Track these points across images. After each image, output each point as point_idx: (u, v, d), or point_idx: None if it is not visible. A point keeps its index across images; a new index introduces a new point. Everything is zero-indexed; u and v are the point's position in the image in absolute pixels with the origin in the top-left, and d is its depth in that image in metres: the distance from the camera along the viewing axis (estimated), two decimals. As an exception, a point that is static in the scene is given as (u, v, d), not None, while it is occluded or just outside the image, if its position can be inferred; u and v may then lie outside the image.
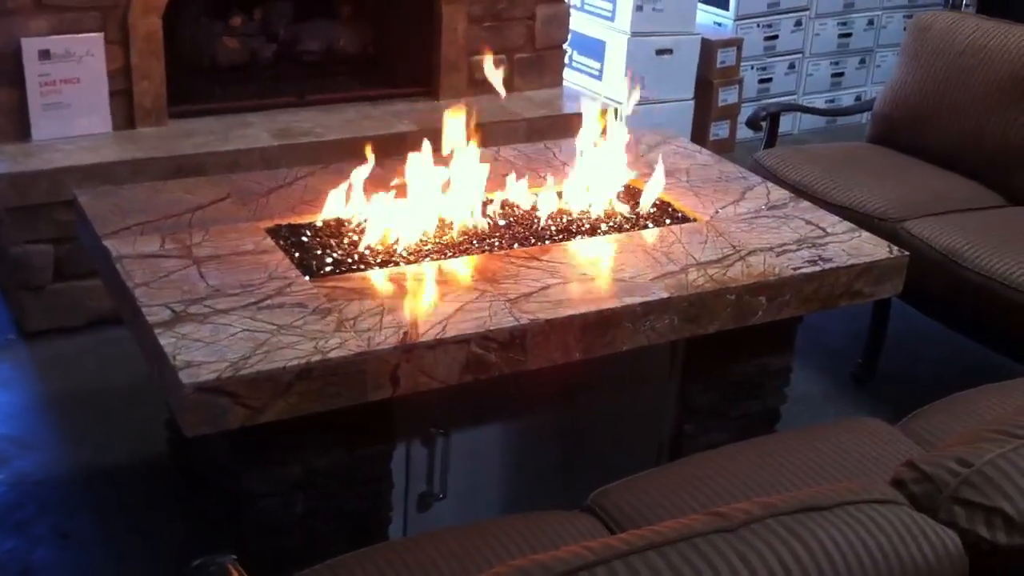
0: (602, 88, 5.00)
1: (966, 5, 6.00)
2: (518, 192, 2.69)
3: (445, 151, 2.55)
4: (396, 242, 2.42)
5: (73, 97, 3.50)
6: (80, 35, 3.47)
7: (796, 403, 2.90)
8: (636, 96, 2.94)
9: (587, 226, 2.62)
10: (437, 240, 2.48)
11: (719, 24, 5.41)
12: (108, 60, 3.54)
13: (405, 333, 2.06)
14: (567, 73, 4.59)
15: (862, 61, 5.92)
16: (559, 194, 2.71)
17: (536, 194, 2.70)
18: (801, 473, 2.03)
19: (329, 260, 2.36)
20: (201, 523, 2.61)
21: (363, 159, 2.53)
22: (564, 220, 2.64)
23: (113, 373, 3.21)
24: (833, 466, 2.06)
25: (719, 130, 5.28)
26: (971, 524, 1.40)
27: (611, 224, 2.64)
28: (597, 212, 2.67)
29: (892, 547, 1.31)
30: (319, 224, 2.50)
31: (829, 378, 3.49)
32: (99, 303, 3.34)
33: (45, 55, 3.43)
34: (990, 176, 3.56)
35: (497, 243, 2.50)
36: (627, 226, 2.63)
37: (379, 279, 2.29)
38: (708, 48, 5.11)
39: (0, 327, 3.46)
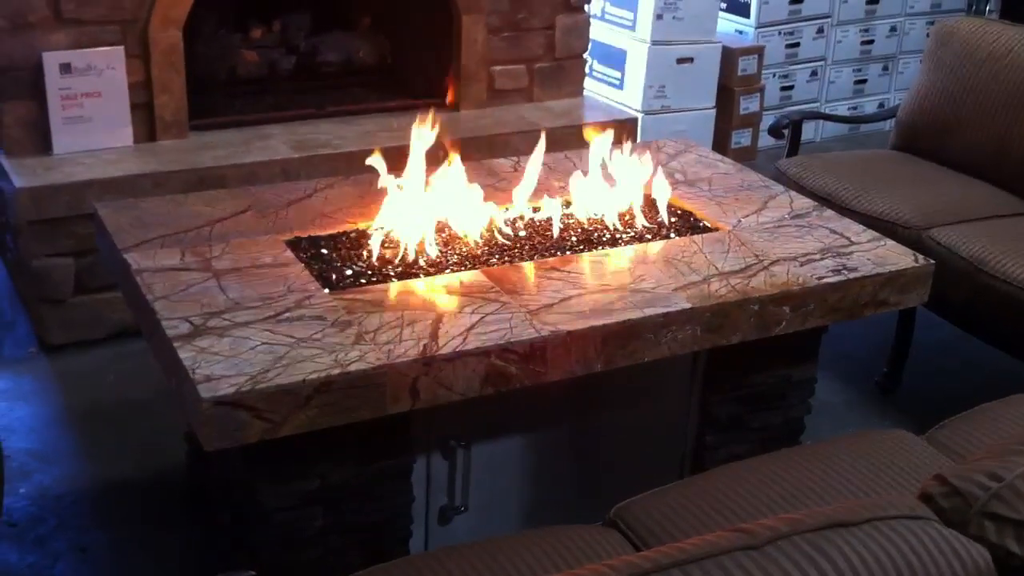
0: (623, 97, 4.98)
1: (989, 11, 5.96)
2: (538, 202, 2.68)
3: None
4: (416, 254, 2.41)
5: (94, 111, 3.51)
6: (101, 49, 3.48)
7: (820, 413, 2.87)
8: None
9: (608, 236, 2.60)
10: (457, 251, 2.46)
11: (740, 32, 5.38)
12: (129, 73, 3.54)
13: (425, 346, 2.04)
14: (588, 83, 4.57)
15: (885, 68, 5.88)
16: (579, 204, 2.70)
17: (557, 205, 2.68)
18: (827, 486, 2.00)
19: (349, 272, 2.35)
20: (220, 538, 2.60)
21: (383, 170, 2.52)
22: (584, 230, 2.62)
23: (134, 386, 3.21)
24: (859, 479, 2.03)
25: (741, 138, 5.25)
26: (1001, 539, 1.38)
27: (632, 234, 2.62)
28: (618, 222, 2.65)
29: (920, 563, 1.28)
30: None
31: (853, 387, 3.45)
32: (120, 316, 3.34)
33: (66, 69, 3.45)
34: (1015, 183, 3.52)
35: (517, 254, 2.48)
36: (648, 236, 2.61)
37: (398, 291, 2.27)
38: (729, 56, 5.09)
39: (21, 340, 3.46)
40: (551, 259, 2.46)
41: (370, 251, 2.41)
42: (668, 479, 2.16)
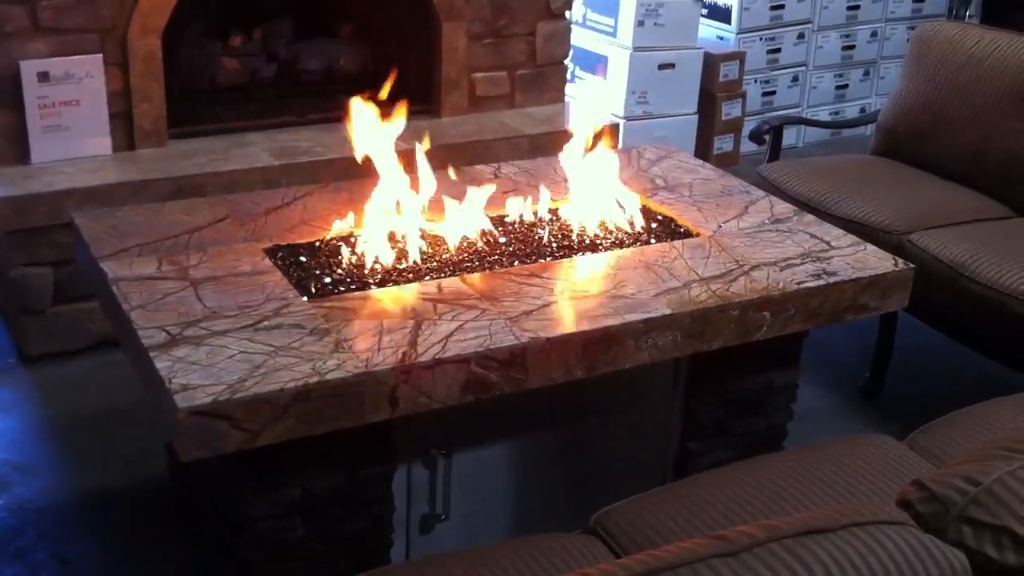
0: (604, 103, 4.98)
1: (969, 16, 5.98)
2: (519, 209, 2.67)
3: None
4: (394, 261, 2.40)
5: (73, 119, 3.49)
6: (79, 57, 3.47)
7: (803, 418, 2.87)
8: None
9: (588, 242, 2.60)
10: (436, 258, 2.46)
11: (721, 38, 5.39)
12: (108, 82, 3.53)
13: (403, 353, 2.03)
14: (569, 88, 4.57)
15: (866, 73, 5.90)
16: (560, 210, 2.69)
17: (537, 211, 2.68)
18: (808, 492, 2.00)
19: (327, 280, 2.34)
20: (202, 548, 2.58)
21: (363, 177, 2.51)
22: (565, 236, 2.62)
23: (114, 396, 3.19)
24: (840, 484, 2.03)
25: (723, 144, 5.26)
26: (979, 544, 1.37)
27: (612, 240, 2.61)
28: (598, 228, 2.64)
29: (898, 569, 1.28)
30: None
31: (836, 393, 3.45)
32: (100, 326, 3.32)
33: (44, 77, 3.43)
34: (995, 187, 3.53)
35: (497, 260, 2.48)
36: (628, 242, 2.61)
37: (377, 299, 2.26)
38: (711, 62, 5.10)
39: (1, 351, 3.44)
40: (532, 265, 2.45)
41: (354, 257, 2.40)
42: (652, 485, 2.15)
